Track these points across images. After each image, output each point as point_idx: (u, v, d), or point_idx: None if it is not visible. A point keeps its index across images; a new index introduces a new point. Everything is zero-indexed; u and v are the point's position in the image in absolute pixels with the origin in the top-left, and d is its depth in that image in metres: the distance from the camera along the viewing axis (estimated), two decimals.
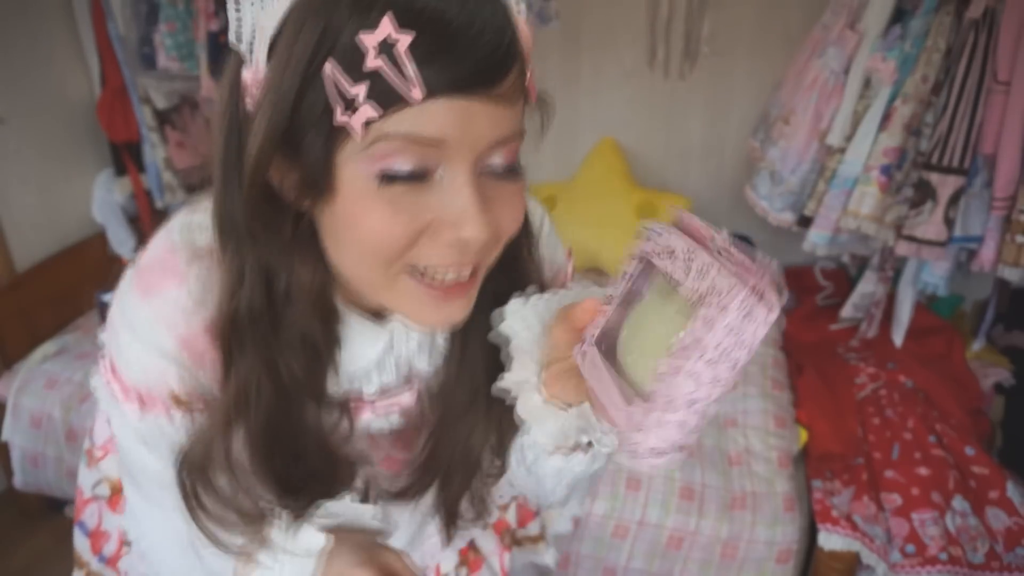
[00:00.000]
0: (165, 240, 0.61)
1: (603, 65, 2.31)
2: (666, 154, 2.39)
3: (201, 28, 2.03)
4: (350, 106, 0.49)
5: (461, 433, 0.70)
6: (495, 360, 0.62)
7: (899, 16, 1.73)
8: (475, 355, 0.67)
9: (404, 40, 0.47)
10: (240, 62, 0.54)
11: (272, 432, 0.61)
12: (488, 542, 0.94)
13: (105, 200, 2.30)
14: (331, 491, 0.67)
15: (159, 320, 0.59)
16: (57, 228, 2.22)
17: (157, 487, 0.63)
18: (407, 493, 0.74)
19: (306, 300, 0.58)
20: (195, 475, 0.60)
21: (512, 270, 0.64)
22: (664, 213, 2.30)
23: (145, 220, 2.35)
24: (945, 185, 1.67)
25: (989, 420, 1.98)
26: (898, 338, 2.02)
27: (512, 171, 0.55)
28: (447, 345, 0.69)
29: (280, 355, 0.59)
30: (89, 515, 0.92)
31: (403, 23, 0.47)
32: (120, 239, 2.34)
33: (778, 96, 1.99)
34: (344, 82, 0.48)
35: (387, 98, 0.48)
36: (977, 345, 2.06)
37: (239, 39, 0.53)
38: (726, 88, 2.25)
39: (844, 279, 2.28)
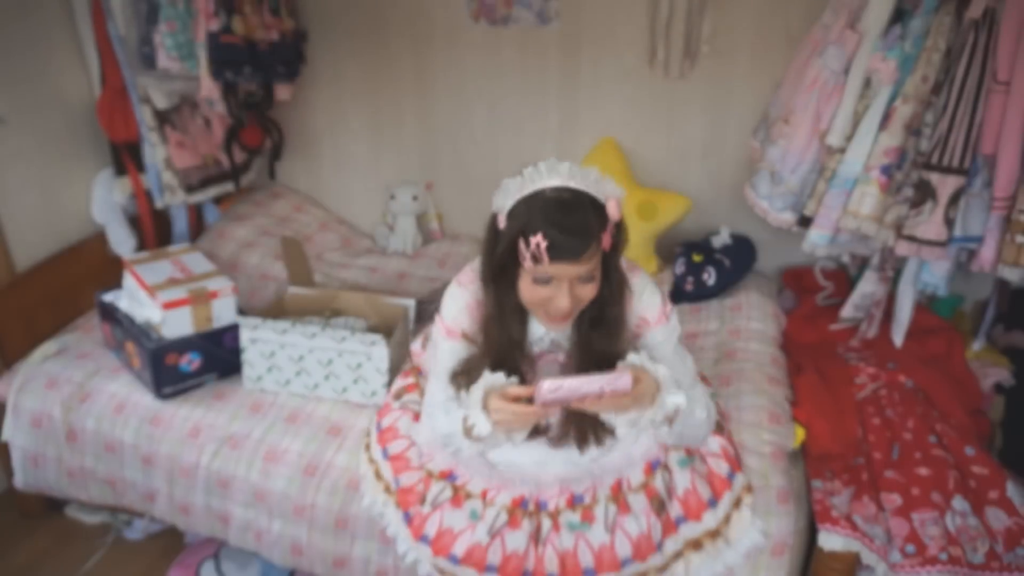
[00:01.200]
0: (467, 271, 1.39)
1: (603, 64, 2.31)
2: (666, 154, 2.39)
3: (201, 28, 2.03)
4: (525, 256, 1.20)
5: None
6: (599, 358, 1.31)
7: (899, 16, 1.73)
8: (586, 354, 1.35)
9: (543, 244, 1.16)
10: (496, 214, 1.26)
11: (502, 357, 1.32)
12: (638, 502, 1.45)
13: (105, 200, 2.30)
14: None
15: (461, 294, 1.37)
16: (57, 228, 2.22)
17: (442, 372, 1.37)
18: (560, 438, 1.40)
19: (515, 306, 1.30)
20: (462, 373, 1.35)
21: (601, 310, 1.32)
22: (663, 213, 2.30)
23: (145, 220, 2.34)
24: (945, 185, 1.67)
25: (989, 420, 1.98)
26: (898, 338, 2.02)
27: (589, 279, 1.23)
28: (571, 344, 1.37)
29: (502, 323, 1.31)
30: (387, 419, 1.67)
31: (545, 232, 1.16)
32: (120, 239, 2.33)
33: (778, 96, 1.99)
34: (523, 249, 1.19)
35: (535, 259, 1.19)
36: (977, 345, 2.06)
37: (496, 205, 1.25)
38: (726, 88, 2.25)
39: (844, 279, 2.28)
